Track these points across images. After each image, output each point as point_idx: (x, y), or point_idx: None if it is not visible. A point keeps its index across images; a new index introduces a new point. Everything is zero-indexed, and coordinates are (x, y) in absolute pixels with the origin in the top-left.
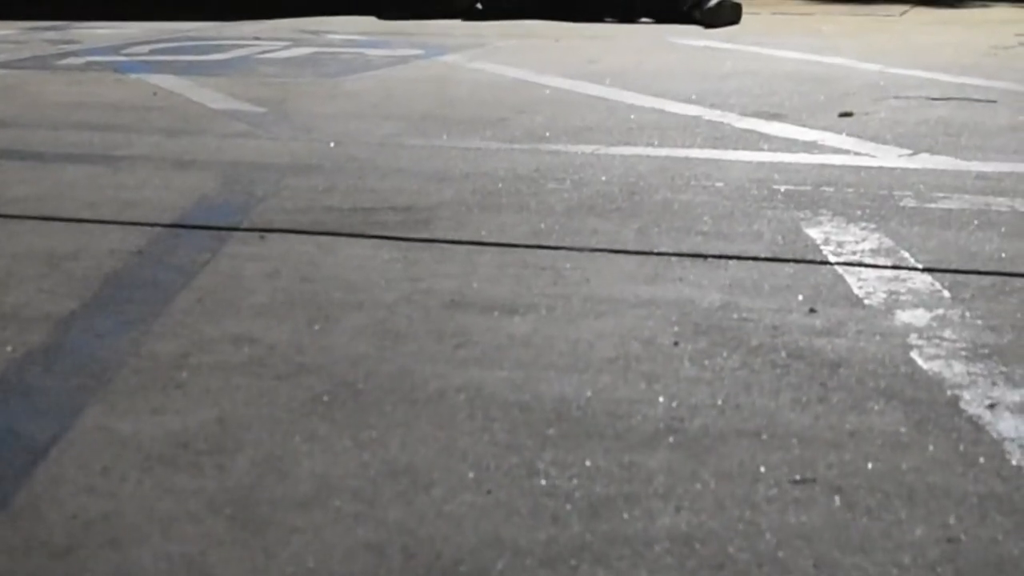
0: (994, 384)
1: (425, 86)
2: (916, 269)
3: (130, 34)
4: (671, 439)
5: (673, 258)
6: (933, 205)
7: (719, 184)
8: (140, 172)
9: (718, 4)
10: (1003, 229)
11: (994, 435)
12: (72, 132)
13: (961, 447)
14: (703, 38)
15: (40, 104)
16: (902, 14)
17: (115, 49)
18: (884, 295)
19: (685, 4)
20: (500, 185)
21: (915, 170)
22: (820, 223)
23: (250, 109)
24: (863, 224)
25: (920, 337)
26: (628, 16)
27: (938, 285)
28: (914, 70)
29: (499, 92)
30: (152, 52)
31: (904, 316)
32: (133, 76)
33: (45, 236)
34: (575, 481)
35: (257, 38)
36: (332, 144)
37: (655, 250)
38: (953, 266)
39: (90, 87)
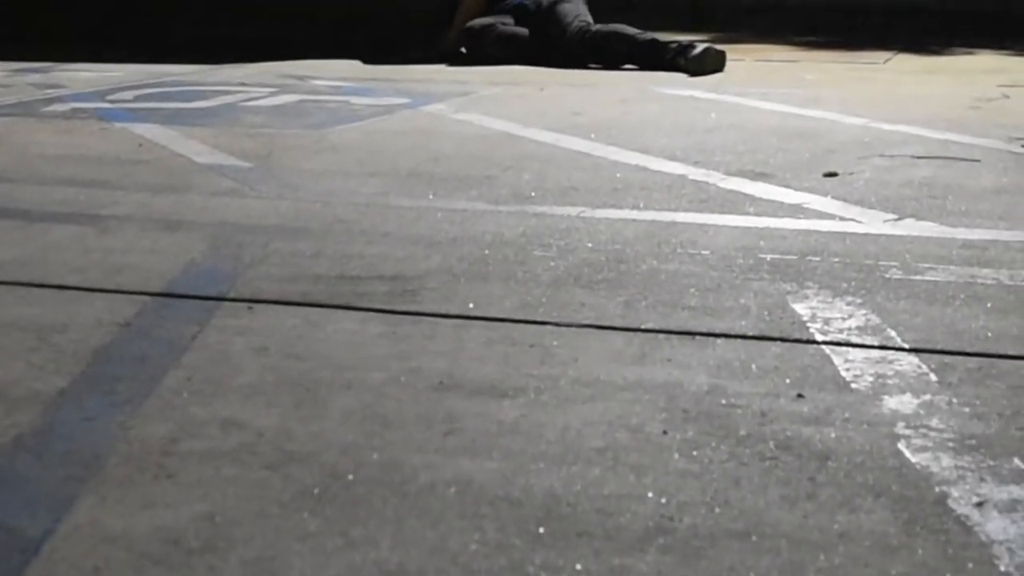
0: (982, 480)
1: (411, 139)
2: (903, 349)
3: (115, 78)
4: (661, 540)
5: (661, 335)
6: (919, 277)
7: (705, 252)
8: (127, 233)
9: (703, 52)
10: (988, 304)
11: (983, 537)
12: (58, 188)
13: (950, 550)
14: (687, 87)
15: (27, 156)
16: (886, 61)
17: (100, 95)
18: (871, 378)
19: (669, 52)
20: (487, 252)
21: (901, 237)
22: (806, 297)
23: (236, 163)
24: (849, 298)
25: (907, 426)
26: (612, 63)
27: (924, 367)
28: (898, 125)
29: (485, 147)
30: (137, 99)
31: (891, 403)
32: (118, 125)
33: (32, 304)
34: None
35: (243, 84)
36: (319, 204)
37: (642, 326)
38: (939, 346)
39: (76, 137)
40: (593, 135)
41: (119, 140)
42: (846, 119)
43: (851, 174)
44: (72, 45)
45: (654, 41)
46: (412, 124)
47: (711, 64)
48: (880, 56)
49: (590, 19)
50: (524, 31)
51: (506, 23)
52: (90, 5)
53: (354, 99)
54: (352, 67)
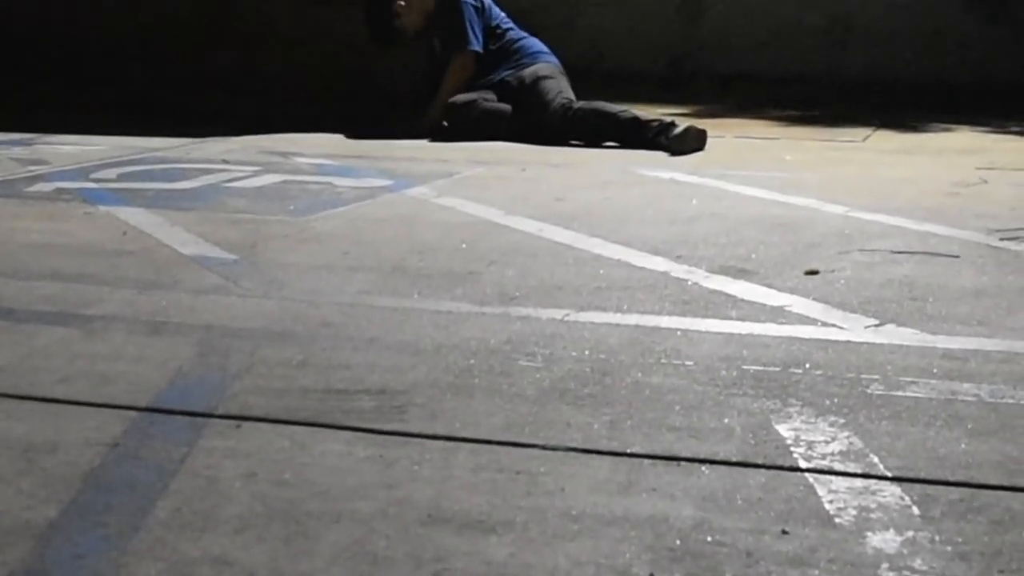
0: None
1: (394, 228)
2: (885, 478)
3: (98, 152)
4: None
5: (646, 461)
6: (900, 393)
7: (689, 363)
8: (113, 337)
9: (683, 132)
10: (969, 426)
11: None
12: (44, 283)
13: None
14: (668, 168)
15: (11, 245)
16: (865, 139)
17: (84, 173)
18: (854, 512)
19: (650, 130)
20: (472, 361)
21: (882, 346)
22: (790, 416)
23: (221, 256)
24: (832, 418)
25: (891, 567)
26: (594, 140)
27: (907, 499)
28: (878, 214)
29: (468, 237)
30: (120, 177)
31: (875, 540)
32: (103, 209)
33: (21, 420)
34: None
35: (225, 161)
36: (304, 304)
37: (628, 450)
38: (922, 474)
39: (60, 223)
40: (576, 224)
41: (104, 227)
42: (826, 207)
43: (832, 271)
44: (55, 113)
45: (635, 119)
46: (395, 210)
47: (692, 143)
48: (859, 133)
49: (572, 96)
50: (506, 107)
51: (488, 99)
52: (72, 72)
53: (337, 180)
54: (334, 142)
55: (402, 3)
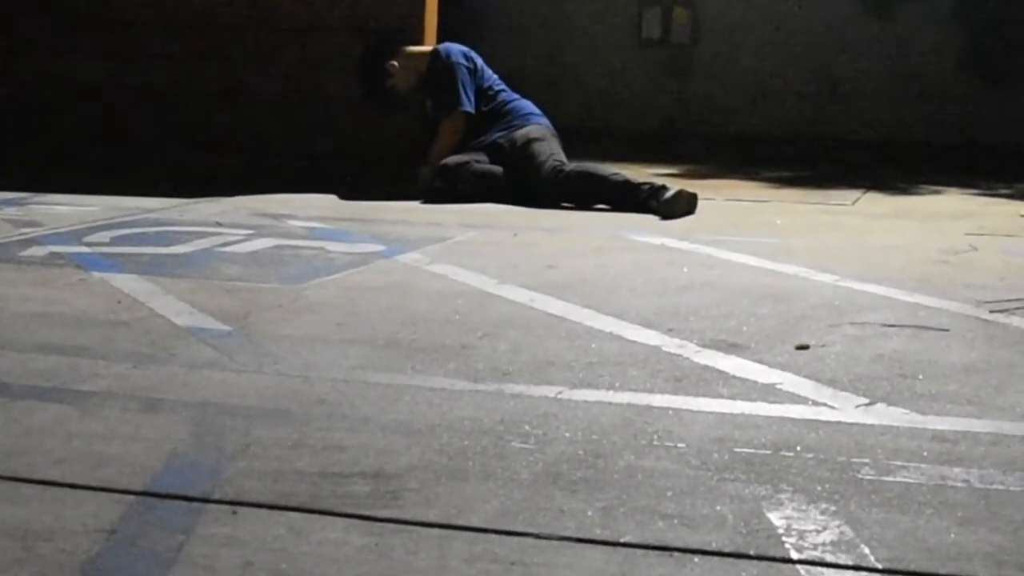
0: None
1: (387, 298)
2: (876, 570)
3: (91, 213)
4: None
5: (639, 551)
6: (891, 479)
7: (681, 445)
8: (109, 415)
9: (675, 196)
10: (959, 513)
11: None
12: (39, 356)
13: None
14: (660, 233)
15: (5, 314)
16: (854, 202)
17: (77, 236)
18: None
19: (641, 194)
20: (466, 443)
21: (872, 427)
22: (781, 504)
23: (215, 327)
24: (823, 506)
25: None
26: (585, 203)
27: None
28: (868, 284)
29: (461, 307)
30: (114, 241)
31: None
32: (97, 275)
33: (17, 504)
34: None
35: (218, 223)
36: (299, 380)
37: (621, 539)
38: (912, 566)
39: (54, 290)
40: (568, 294)
41: (98, 294)
42: (817, 276)
43: (823, 346)
44: (48, 171)
45: (627, 182)
46: (388, 278)
47: (683, 207)
48: (848, 196)
49: (564, 158)
50: (498, 169)
51: (481, 160)
52: (65, 131)
53: (329, 245)
54: (327, 203)
55: (394, 63)
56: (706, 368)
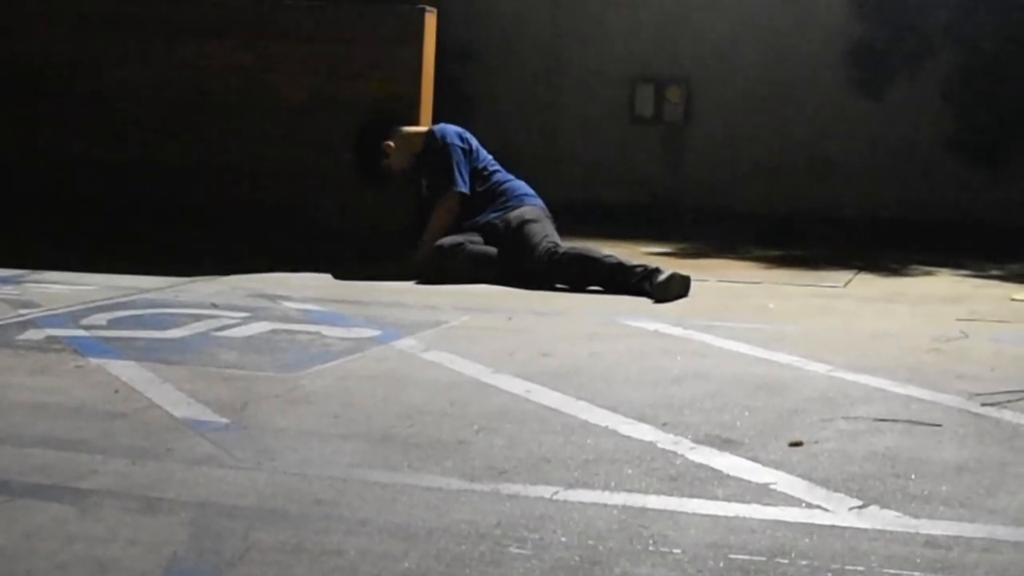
0: None
1: (383, 388)
2: None
3: (87, 293)
4: None
5: None
6: None
7: (676, 551)
8: (108, 515)
9: (668, 279)
10: None
11: None
12: (38, 450)
13: None
14: (654, 318)
15: (4, 404)
16: (846, 284)
17: (74, 318)
18: None
19: (635, 276)
20: (463, 548)
21: (865, 532)
22: None
23: (212, 419)
24: None
25: None
26: (579, 285)
27: None
28: (860, 374)
29: (457, 398)
30: (111, 323)
31: None
32: (94, 362)
33: None
34: None
35: (214, 305)
36: (297, 478)
37: None
38: None
39: (52, 378)
40: (562, 384)
41: (96, 383)
42: (809, 365)
43: (816, 442)
44: (43, 247)
45: (620, 265)
46: (384, 366)
47: (676, 290)
48: (840, 277)
49: (558, 239)
50: (493, 250)
51: (475, 241)
52: (59, 207)
53: (325, 329)
54: (322, 283)
55: (390, 143)
56: (701, 466)
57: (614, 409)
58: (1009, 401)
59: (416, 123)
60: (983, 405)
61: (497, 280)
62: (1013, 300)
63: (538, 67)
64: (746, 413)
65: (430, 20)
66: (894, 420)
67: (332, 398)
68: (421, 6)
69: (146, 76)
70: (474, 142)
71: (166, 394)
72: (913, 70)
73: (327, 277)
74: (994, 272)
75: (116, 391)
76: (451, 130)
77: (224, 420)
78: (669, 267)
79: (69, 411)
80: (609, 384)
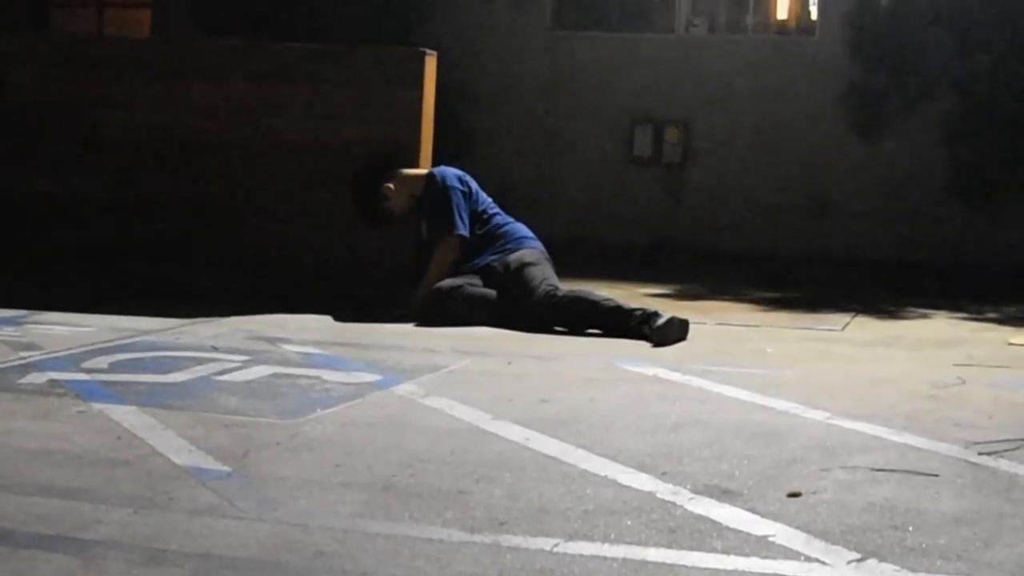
0: None
1: (384, 435)
2: None
3: (89, 335)
4: None
5: None
6: None
7: None
8: (112, 567)
9: (666, 323)
10: None
11: None
12: (40, 498)
13: None
14: (652, 362)
15: (6, 450)
16: (843, 328)
17: (75, 361)
18: None
19: (633, 320)
20: None
21: None
22: None
23: (214, 468)
24: None
25: None
26: (577, 328)
27: None
28: (858, 422)
29: (457, 446)
30: (112, 367)
31: None
32: (96, 407)
33: None
34: None
35: (215, 348)
36: (298, 529)
37: None
38: None
39: (54, 423)
40: (562, 432)
41: (98, 429)
42: (807, 413)
43: (814, 493)
44: (44, 288)
45: (618, 308)
46: (384, 412)
47: (675, 334)
48: (838, 320)
49: (557, 282)
50: (492, 293)
51: (474, 284)
52: (58, 247)
53: (325, 374)
54: (322, 325)
55: (390, 185)
56: (700, 518)
57: (613, 458)
58: (1006, 450)
59: (416, 165)
60: (980, 454)
61: (496, 322)
62: (1010, 344)
63: (537, 108)
64: (745, 462)
65: (430, 63)
66: (892, 470)
67: (333, 445)
68: (421, 49)
69: (146, 117)
70: (473, 185)
71: (168, 441)
72: (910, 113)
73: (327, 319)
74: (991, 315)
75: (118, 437)
76: (451, 173)
77: (226, 468)
78: (667, 310)
79: (71, 458)
80: (608, 431)
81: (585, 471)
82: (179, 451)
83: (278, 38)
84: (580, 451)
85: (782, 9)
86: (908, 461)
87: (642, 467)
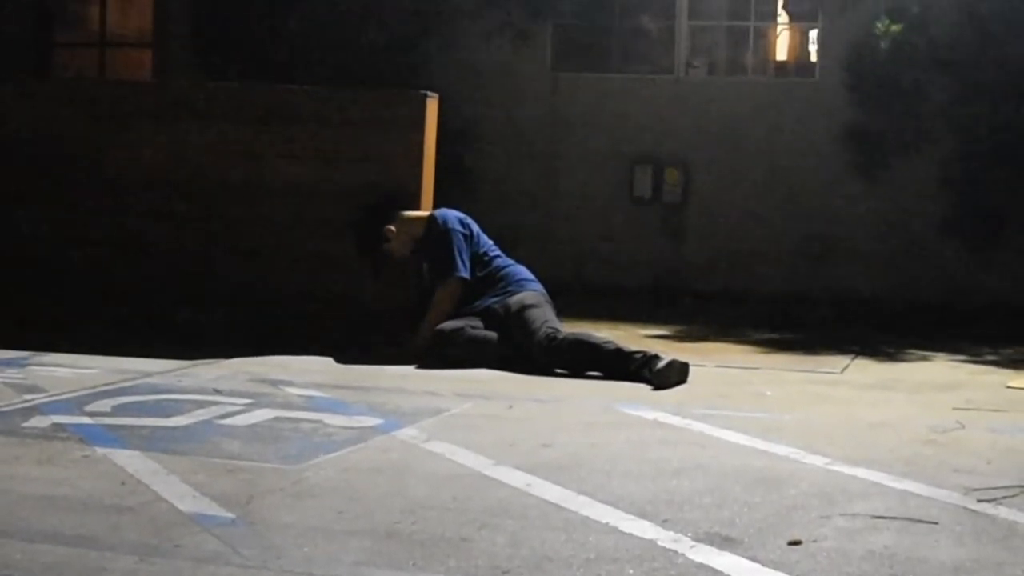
0: None
1: (386, 482)
2: None
3: (91, 377)
4: None
5: None
6: None
7: None
8: None
9: (666, 366)
10: None
11: None
12: (47, 546)
13: None
14: (652, 405)
15: (12, 496)
16: (843, 370)
17: (79, 404)
18: None
19: (634, 363)
20: None
21: None
22: None
23: (219, 514)
24: None
25: None
26: (578, 370)
27: None
28: (858, 467)
29: (459, 491)
30: (115, 410)
31: None
32: (100, 452)
33: None
34: None
35: (217, 391)
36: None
37: None
38: None
39: (59, 469)
40: (563, 477)
41: (102, 474)
42: (807, 458)
43: (814, 541)
44: (47, 329)
45: (619, 351)
46: (386, 457)
47: (675, 377)
48: (837, 362)
49: (558, 325)
50: (493, 335)
51: (475, 326)
52: (61, 288)
53: (328, 418)
54: (323, 367)
55: (392, 228)
56: (701, 566)
57: (615, 504)
58: (1005, 497)
59: (417, 208)
60: (979, 501)
61: (497, 365)
62: (1008, 387)
63: (537, 148)
64: (745, 509)
65: (432, 106)
66: (891, 517)
67: (336, 492)
68: (423, 92)
69: (147, 158)
70: (475, 227)
71: (172, 487)
72: (910, 154)
73: (329, 360)
74: (989, 356)
75: (122, 483)
76: (452, 215)
77: (230, 515)
78: (668, 353)
79: (77, 504)
80: (610, 477)
81: (587, 518)
82: (183, 497)
83: (279, 79)
84: (582, 497)
85: (782, 50)
86: (908, 508)
87: (643, 514)
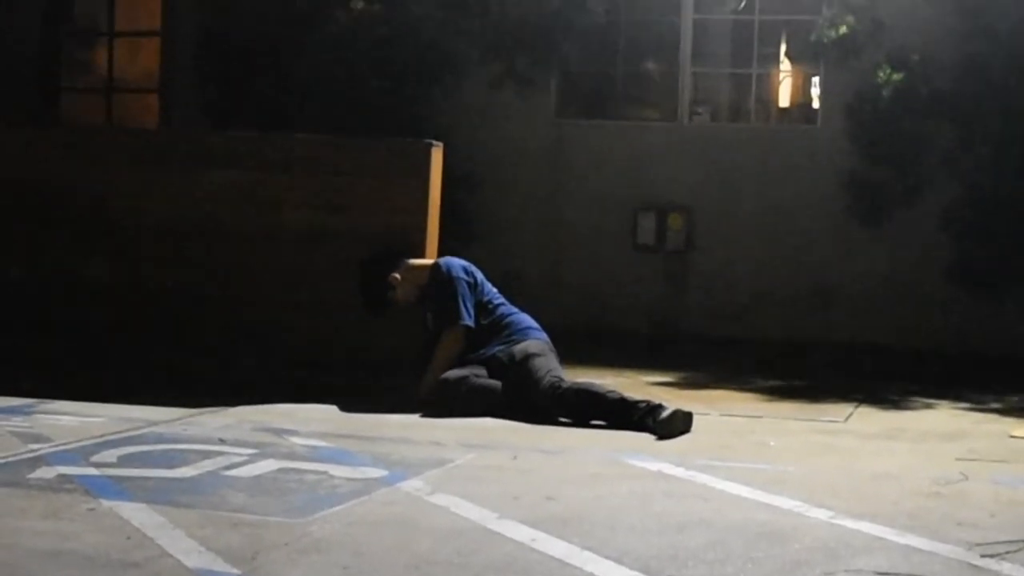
0: None
1: (391, 536)
2: None
3: (97, 426)
4: None
5: None
6: None
7: None
8: None
9: (670, 416)
10: None
11: None
12: None
13: None
14: (656, 456)
15: (18, 552)
16: (847, 419)
17: (84, 454)
18: None
19: (637, 412)
20: None
21: None
22: None
23: (224, 570)
24: None
25: None
26: (582, 419)
27: None
28: (861, 521)
29: (463, 546)
30: (121, 461)
31: None
32: (106, 504)
33: None
34: None
35: (222, 440)
36: None
37: None
38: None
39: (65, 522)
40: (568, 531)
41: (108, 528)
42: (811, 512)
43: None
44: (51, 375)
45: (623, 400)
46: (390, 511)
47: (679, 427)
48: (841, 411)
49: (562, 374)
50: (497, 384)
51: (479, 375)
52: (63, 333)
53: (332, 469)
54: (328, 416)
55: (396, 275)
56: None
57: (619, 560)
58: (1008, 552)
59: (422, 255)
60: (982, 556)
61: (501, 413)
62: (1012, 437)
63: (541, 195)
64: (749, 565)
65: (436, 154)
66: (895, 574)
67: (341, 546)
68: (428, 140)
69: (150, 204)
70: (479, 275)
71: (177, 541)
72: (913, 201)
73: (333, 409)
74: (993, 405)
75: (128, 537)
76: (456, 263)
77: (236, 571)
78: (672, 402)
79: (83, 559)
80: (614, 531)
81: (592, 574)
82: (189, 552)
83: (286, 126)
84: (586, 553)
85: (784, 97)
86: (911, 564)
87: (647, 570)
